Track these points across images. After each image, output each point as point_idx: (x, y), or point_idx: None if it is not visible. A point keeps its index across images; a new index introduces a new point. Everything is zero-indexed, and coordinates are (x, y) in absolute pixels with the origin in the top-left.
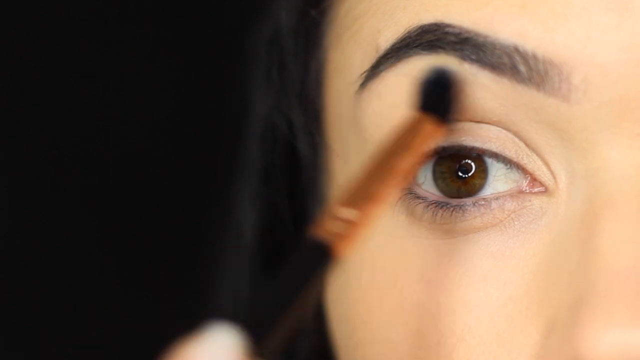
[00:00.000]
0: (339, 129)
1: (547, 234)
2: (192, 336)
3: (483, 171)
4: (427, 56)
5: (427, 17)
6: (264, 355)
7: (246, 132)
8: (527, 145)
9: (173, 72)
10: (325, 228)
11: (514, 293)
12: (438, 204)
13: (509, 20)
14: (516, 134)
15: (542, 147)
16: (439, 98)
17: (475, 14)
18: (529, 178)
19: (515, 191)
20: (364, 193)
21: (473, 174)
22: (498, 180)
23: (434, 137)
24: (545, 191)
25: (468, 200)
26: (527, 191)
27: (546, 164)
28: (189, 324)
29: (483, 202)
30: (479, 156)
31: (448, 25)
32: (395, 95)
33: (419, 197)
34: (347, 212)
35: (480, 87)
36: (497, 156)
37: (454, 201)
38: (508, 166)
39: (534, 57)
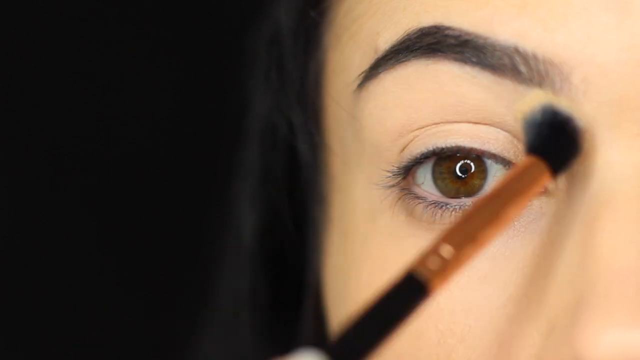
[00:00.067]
0: (338, 129)
1: (547, 234)
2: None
3: (482, 172)
4: (426, 60)
5: (427, 19)
6: None
7: (246, 132)
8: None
9: (173, 72)
10: (424, 263)
11: (514, 293)
12: (437, 204)
13: (509, 20)
14: (516, 136)
15: None
16: (554, 144)
17: (474, 15)
18: None
19: None
20: (467, 233)
21: (472, 174)
22: (497, 181)
23: (545, 183)
24: (545, 191)
25: (467, 201)
26: None
27: None
28: (189, 324)
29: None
30: (478, 157)
31: (448, 28)
32: (389, 98)
33: (418, 197)
34: (447, 250)
35: (481, 88)
36: (496, 157)
37: (454, 201)
38: (507, 167)
39: (535, 57)
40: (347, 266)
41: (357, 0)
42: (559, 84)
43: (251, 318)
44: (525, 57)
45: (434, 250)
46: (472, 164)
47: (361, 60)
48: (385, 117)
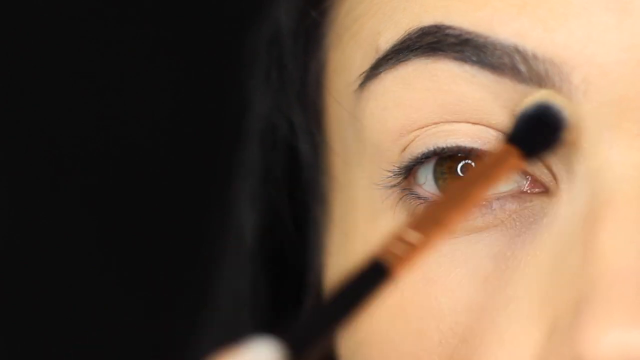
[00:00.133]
0: (339, 129)
1: (549, 234)
2: (231, 348)
3: None
4: (426, 60)
5: (427, 18)
6: None
7: (246, 132)
8: None
9: (173, 72)
10: (389, 248)
11: (516, 293)
12: None
13: (509, 20)
14: None
15: None
16: (531, 134)
17: (474, 14)
18: (530, 179)
19: (516, 191)
20: (432, 218)
21: None
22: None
23: (516, 170)
24: (546, 192)
25: None
26: (528, 192)
27: (546, 164)
28: (189, 324)
29: (484, 203)
30: (479, 157)
31: (448, 27)
32: (390, 98)
33: (420, 198)
34: (412, 235)
35: (481, 88)
36: None
37: None
38: None
39: (534, 57)
40: (348, 266)
41: (358, 0)
42: (558, 83)
43: (251, 318)
44: (525, 56)
45: (399, 236)
46: (473, 164)
47: (362, 60)
48: (386, 117)
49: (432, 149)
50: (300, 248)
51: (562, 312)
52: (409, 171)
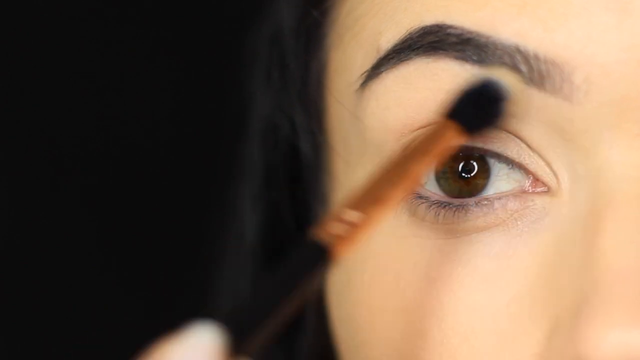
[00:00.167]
0: (341, 129)
1: (550, 234)
2: (172, 334)
3: (485, 171)
4: (427, 59)
5: (429, 18)
6: (245, 355)
7: (246, 132)
8: (528, 145)
9: (173, 72)
10: (327, 229)
11: (517, 293)
12: (441, 204)
13: (509, 20)
14: (517, 135)
15: (544, 147)
16: (468, 108)
17: (475, 14)
18: (532, 178)
19: (518, 191)
20: (371, 196)
21: (475, 174)
22: (500, 180)
23: (453, 146)
24: (548, 191)
25: (471, 200)
26: (530, 191)
27: (548, 164)
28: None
29: (486, 202)
30: (481, 156)
31: (450, 27)
32: (391, 97)
33: (421, 197)
34: (351, 214)
35: None
36: (499, 156)
37: (457, 201)
38: (510, 166)
39: (536, 57)
40: (349, 266)
41: (360, 0)
42: (559, 83)
43: None
44: (526, 56)
45: (338, 216)
46: (475, 163)
47: (363, 60)
48: (387, 116)
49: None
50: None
51: (563, 312)
52: None
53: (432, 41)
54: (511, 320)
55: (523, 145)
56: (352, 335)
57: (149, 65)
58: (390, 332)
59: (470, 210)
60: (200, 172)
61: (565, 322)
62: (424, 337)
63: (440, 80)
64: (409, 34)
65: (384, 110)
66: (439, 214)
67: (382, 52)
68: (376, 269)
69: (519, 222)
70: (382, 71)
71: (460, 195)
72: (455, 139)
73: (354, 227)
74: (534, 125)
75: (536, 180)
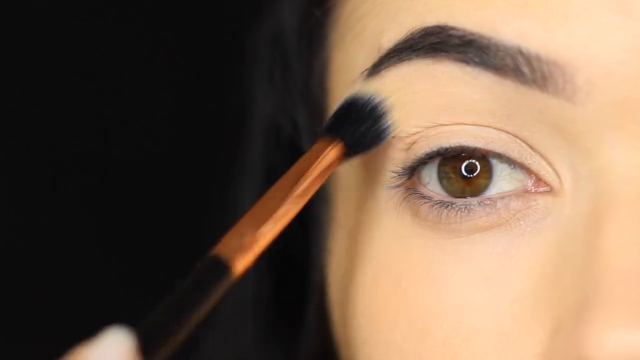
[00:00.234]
0: None
1: (553, 234)
2: (87, 341)
3: (488, 171)
4: (427, 60)
5: (431, 18)
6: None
7: (246, 132)
8: (529, 146)
9: (173, 72)
10: (227, 244)
11: (520, 293)
12: (443, 204)
13: (511, 20)
14: (518, 136)
15: (546, 147)
16: (351, 126)
17: (477, 14)
18: (534, 178)
19: (520, 191)
20: (265, 213)
21: (478, 174)
22: (503, 180)
23: (337, 164)
24: (551, 191)
25: (473, 200)
26: (533, 191)
27: (550, 164)
28: None
29: (488, 202)
30: (483, 156)
31: (452, 28)
32: (389, 98)
33: (423, 197)
34: (247, 230)
35: (482, 89)
36: (500, 156)
37: (459, 201)
38: (512, 166)
39: (538, 58)
40: (351, 266)
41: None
42: (561, 85)
43: (254, 318)
44: (528, 58)
45: (237, 232)
46: (477, 163)
47: (365, 60)
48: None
49: (435, 149)
50: (303, 248)
51: (566, 312)
52: (412, 171)
53: (433, 42)
54: (513, 320)
55: (525, 145)
56: (353, 335)
57: (149, 65)
58: (391, 332)
59: (472, 210)
60: (200, 172)
61: (567, 322)
62: (425, 337)
63: (440, 82)
64: (410, 34)
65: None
66: (441, 214)
67: (383, 51)
68: (378, 268)
69: (521, 222)
70: (382, 69)
71: (463, 195)
72: (338, 159)
73: (250, 242)
74: (536, 126)
75: (538, 180)
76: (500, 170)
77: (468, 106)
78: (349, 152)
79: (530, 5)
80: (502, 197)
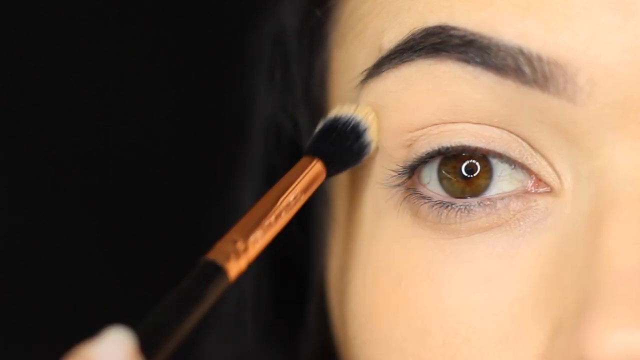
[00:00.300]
0: None
1: (553, 234)
2: (90, 339)
3: (488, 171)
4: (429, 61)
5: (432, 19)
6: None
7: (246, 132)
8: (531, 146)
9: (173, 72)
10: (221, 250)
11: (520, 294)
12: (443, 204)
13: (512, 21)
14: (519, 136)
15: (547, 147)
16: (330, 146)
17: (478, 14)
18: (534, 178)
19: (520, 191)
20: (255, 222)
21: (478, 174)
22: (503, 180)
23: (320, 180)
24: (551, 191)
25: (473, 201)
26: (533, 191)
27: (551, 164)
28: None
29: (488, 202)
30: (483, 156)
31: (453, 28)
32: (390, 97)
33: (424, 197)
34: (239, 237)
35: (483, 89)
36: (501, 156)
37: (459, 201)
38: (513, 166)
39: (539, 58)
40: (351, 266)
41: None
42: (562, 85)
43: (254, 317)
44: (529, 58)
45: (230, 239)
46: (477, 163)
47: (365, 59)
48: (385, 115)
49: (436, 148)
50: (303, 248)
51: (566, 312)
52: (413, 171)
53: (434, 43)
54: (514, 321)
55: (526, 145)
56: (354, 335)
57: (149, 65)
58: (391, 332)
59: (472, 210)
60: (200, 172)
61: (568, 322)
62: (425, 337)
63: (441, 82)
64: (411, 34)
65: (382, 108)
66: (441, 214)
67: (384, 52)
68: (378, 268)
69: (521, 223)
70: (384, 70)
71: (463, 195)
72: (320, 176)
73: (242, 248)
74: (536, 126)
75: (539, 180)
76: (501, 171)
77: (470, 105)
78: (329, 170)
79: (532, 6)
80: (502, 198)
